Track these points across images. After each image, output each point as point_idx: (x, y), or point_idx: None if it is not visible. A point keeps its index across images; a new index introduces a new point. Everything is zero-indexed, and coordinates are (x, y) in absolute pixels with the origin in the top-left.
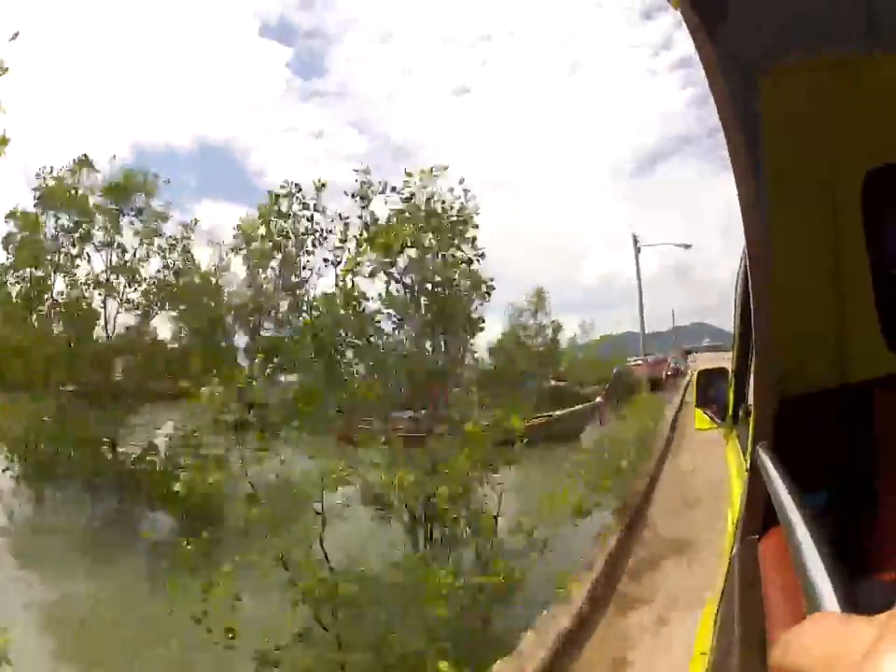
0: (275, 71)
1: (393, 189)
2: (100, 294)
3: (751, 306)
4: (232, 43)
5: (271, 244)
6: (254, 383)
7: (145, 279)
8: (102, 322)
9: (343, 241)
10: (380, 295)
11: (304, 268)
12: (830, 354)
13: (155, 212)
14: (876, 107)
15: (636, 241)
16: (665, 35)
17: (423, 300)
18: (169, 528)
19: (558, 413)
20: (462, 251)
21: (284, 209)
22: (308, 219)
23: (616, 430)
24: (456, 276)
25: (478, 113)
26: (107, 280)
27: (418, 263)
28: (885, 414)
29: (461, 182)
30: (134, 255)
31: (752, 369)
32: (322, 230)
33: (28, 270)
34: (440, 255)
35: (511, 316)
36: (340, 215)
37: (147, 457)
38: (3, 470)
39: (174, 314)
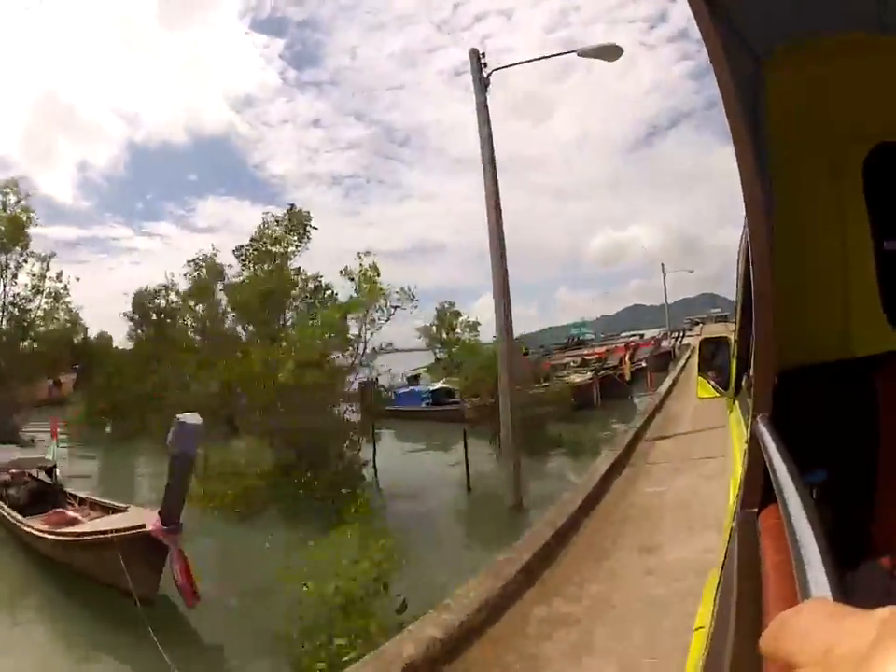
0: (268, 63)
1: None
2: None
3: (752, 277)
4: (223, 37)
5: None
6: None
7: None
8: None
9: None
10: None
11: None
12: (832, 327)
13: None
14: (880, 88)
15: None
16: (661, 9)
17: None
18: None
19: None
20: None
21: None
22: None
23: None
24: None
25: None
26: None
27: None
28: (886, 391)
29: None
30: None
31: (754, 339)
32: None
33: None
34: None
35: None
36: None
37: None
38: None
39: None
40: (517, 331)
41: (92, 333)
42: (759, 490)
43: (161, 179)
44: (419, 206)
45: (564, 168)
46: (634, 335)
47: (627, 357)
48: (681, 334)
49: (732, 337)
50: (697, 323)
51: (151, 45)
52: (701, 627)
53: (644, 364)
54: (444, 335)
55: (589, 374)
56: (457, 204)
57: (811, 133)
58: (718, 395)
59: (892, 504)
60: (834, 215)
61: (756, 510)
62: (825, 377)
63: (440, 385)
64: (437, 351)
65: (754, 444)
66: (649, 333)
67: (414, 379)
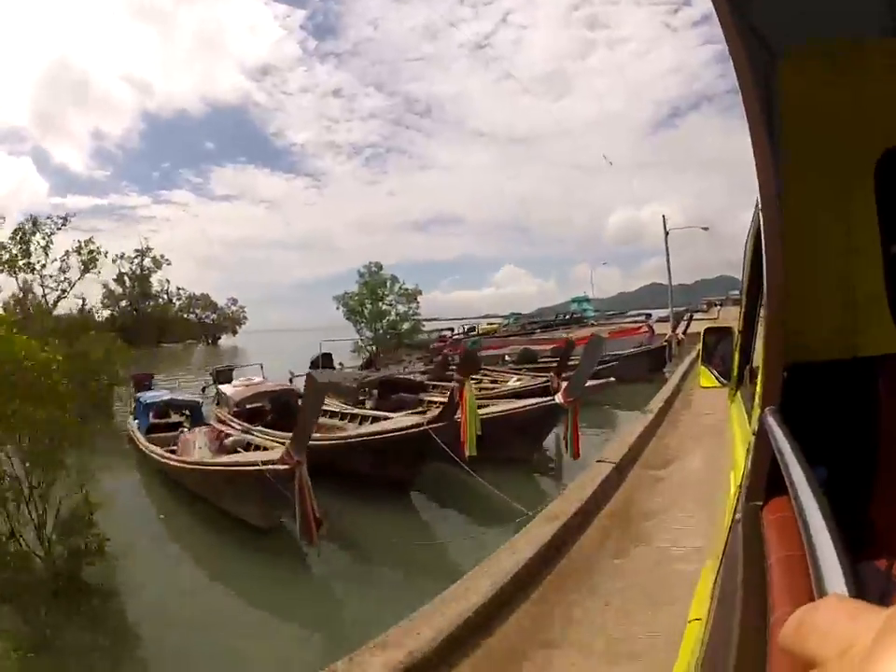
0: (289, 32)
1: None
2: None
3: (763, 268)
4: (242, 5)
5: None
6: None
7: None
8: None
9: None
10: None
11: None
12: (838, 326)
13: None
14: (894, 93)
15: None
16: None
17: None
18: None
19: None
20: None
21: None
22: None
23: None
24: None
25: (498, 69)
26: None
27: None
28: (888, 394)
29: None
30: None
31: (760, 331)
32: None
33: None
34: None
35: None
36: None
37: None
38: None
39: None
40: (536, 304)
41: None
42: (764, 483)
43: (177, 148)
44: (439, 177)
45: (584, 144)
46: (641, 314)
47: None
48: (690, 317)
49: (736, 327)
50: (715, 304)
51: (167, 13)
52: (697, 619)
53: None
54: (368, 307)
55: (516, 383)
56: (477, 176)
57: (823, 133)
58: (719, 385)
59: (889, 506)
60: (844, 214)
61: (761, 503)
62: (828, 375)
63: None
64: (360, 328)
65: (762, 437)
66: (658, 314)
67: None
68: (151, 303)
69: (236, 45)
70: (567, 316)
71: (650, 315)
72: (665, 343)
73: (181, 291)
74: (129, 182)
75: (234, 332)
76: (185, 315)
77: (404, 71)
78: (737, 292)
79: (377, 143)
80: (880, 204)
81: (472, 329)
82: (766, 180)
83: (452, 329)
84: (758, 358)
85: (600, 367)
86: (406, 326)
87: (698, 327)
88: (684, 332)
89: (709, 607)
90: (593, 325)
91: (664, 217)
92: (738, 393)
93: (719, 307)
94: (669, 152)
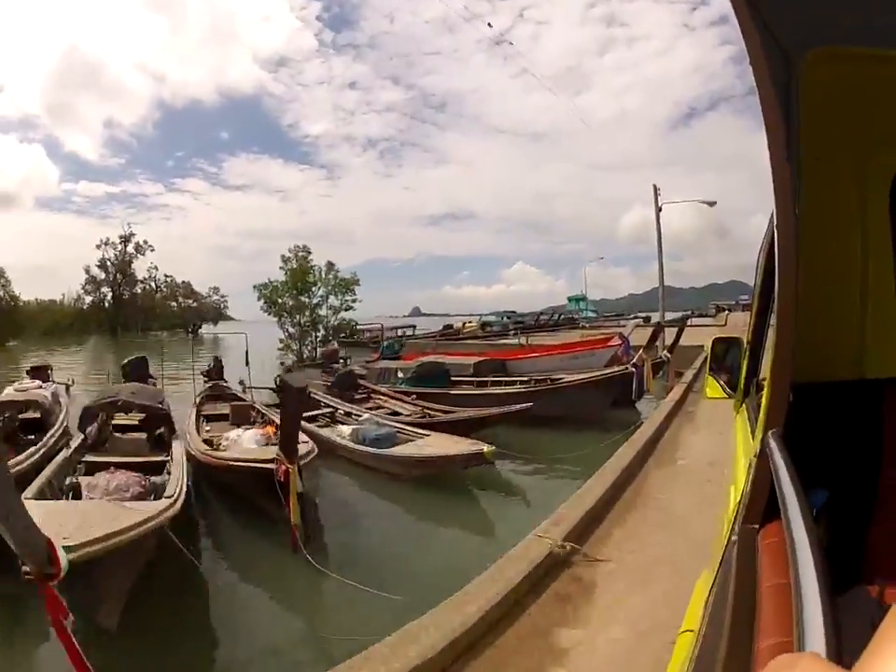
0: (305, 25)
1: None
2: None
3: (775, 285)
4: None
5: None
6: None
7: None
8: None
9: None
10: None
11: None
12: (846, 346)
13: None
14: None
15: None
16: None
17: None
18: None
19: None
20: None
21: None
22: None
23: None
24: None
25: (515, 66)
26: None
27: None
28: (893, 418)
29: None
30: None
31: (769, 346)
32: None
33: None
34: None
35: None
36: None
37: None
38: None
39: None
40: (546, 303)
41: None
42: (762, 506)
43: (191, 137)
44: (455, 172)
45: (599, 142)
46: (636, 317)
47: None
48: (682, 325)
49: (745, 338)
50: (724, 309)
51: (181, 1)
52: (689, 630)
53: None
54: (287, 298)
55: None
56: (493, 172)
57: (840, 143)
58: (726, 396)
59: (885, 531)
60: (859, 231)
61: (757, 526)
62: (834, 396)
63: None
64: (283, 324)
65: (763, 459)
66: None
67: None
68: (138, 290)
69: (251, 35)
70: (559, 317)
71: (648, 318)
72: (628, 370)
73: (169, 279)
74: (142, 170)
75: (215, 322)
76: (171, 304)
77: (421, 65)
78: (747, 297)
79: (393, 136)
80: (895, 225)
81: (449, 326)
82: (782, 190)
83: (381, 326)
84: (765, 371)
85: (526, 401)
86: (335, 320)
87: (700, 338)
88: (670, 350)
89: (701, 622)
90: (584, 328)
91: (654, 187)
92: (744, 405)
93: (727, 312)
94: (685, 152)
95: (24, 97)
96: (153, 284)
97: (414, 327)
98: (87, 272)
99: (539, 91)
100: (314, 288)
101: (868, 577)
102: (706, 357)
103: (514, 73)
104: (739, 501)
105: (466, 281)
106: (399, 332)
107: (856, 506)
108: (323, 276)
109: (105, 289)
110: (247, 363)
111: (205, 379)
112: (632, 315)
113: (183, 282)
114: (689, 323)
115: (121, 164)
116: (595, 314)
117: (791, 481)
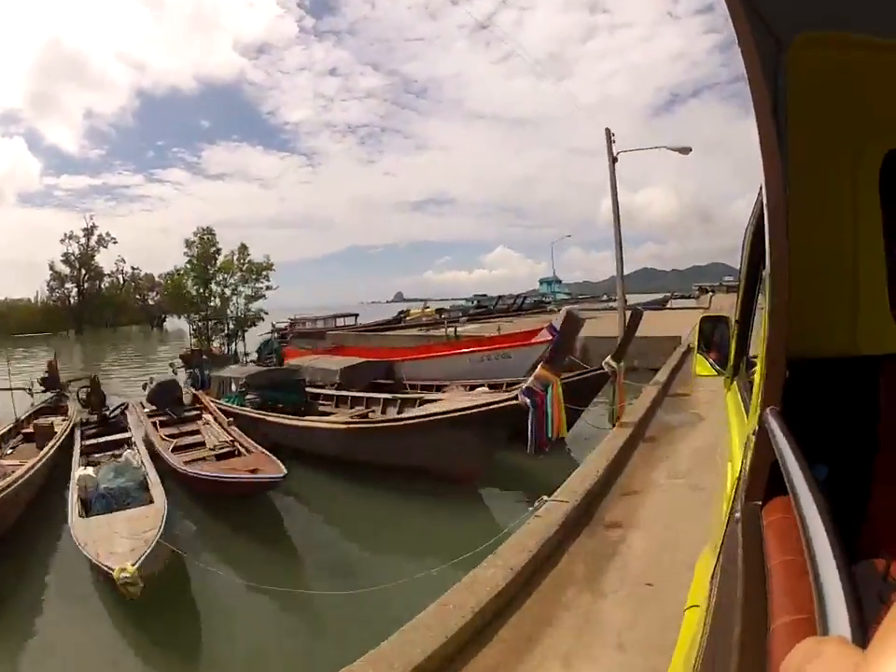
0: (286, 11)
1: None
2: None
3: (766, 263)
4: None
5: None
6: None
7: None
8: None
9: None
10: None
11: None
12: (839, 323)
13: None
14: None
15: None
16: None
17: None
18: None
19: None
20: None
21: None
22: None
23: None
24: None
25: (497, 52)
26: None
27: None
28: (888, 393)
29: None
30: None
31: (763, 323)
32: None
33: None
34: None
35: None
36: None
37: None
38: None
39: None
40: (527, 286)
41: None
42: (764, 482)
43: (171, 127)
44: (435, 158)
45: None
46: (609, 299)
47: None
48: (635, 316)
49: (732, 316)
50: (707, 291)
51: None
52: (694, 606)
53: None
54: (190, 288)
55: None
56: (474, 157)
57: (829, 126)
58: (715, 374)
59: (886, 505)
60: (849, 211)
61: (760, 502)
62: (829, 373)
63: None
64: (189, 317)
65: (762, 436)
66: (650, 299)
67: None
68: (105, 285)
69: (231, 22)
70: (523, 300)
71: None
72: (518, 400)
73: (136, 271)
74: (123, 161)
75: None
76: (137, 297)
77: (402, 50)
78: (731, 279)
79: (373, 122)
80: (885, 204)
81: (405, 312)
82: (772, 170)
83: (293, 318)
84: (755, 349)
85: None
86: (244, 310)
87: (678, 326)
88: (617, 355)
89: (707, 599)
90: (553, 312)
91: (608, 131)
92: (735, 382)
93: (711, 294)
94: (668, 138)
95: (6, 90)
96: (120, 277)
97: (356, 316)
98: (51, 267)
99: (521, 76)
100: (220, 276)
101: (870, 551)
102: (689, 347)
103: (496, 58)
104: (738, 478)
105: (448, 266)
106: (340, 322)
107: (853, 482)
108: (235, 262)
109: (69, 285)
110: None
111: (42, 389)
112: (604, 296)
113: (146, 274)
114: (669, 306)
115: (102, 156)
116: (569, 296)
117: (796, 456)
